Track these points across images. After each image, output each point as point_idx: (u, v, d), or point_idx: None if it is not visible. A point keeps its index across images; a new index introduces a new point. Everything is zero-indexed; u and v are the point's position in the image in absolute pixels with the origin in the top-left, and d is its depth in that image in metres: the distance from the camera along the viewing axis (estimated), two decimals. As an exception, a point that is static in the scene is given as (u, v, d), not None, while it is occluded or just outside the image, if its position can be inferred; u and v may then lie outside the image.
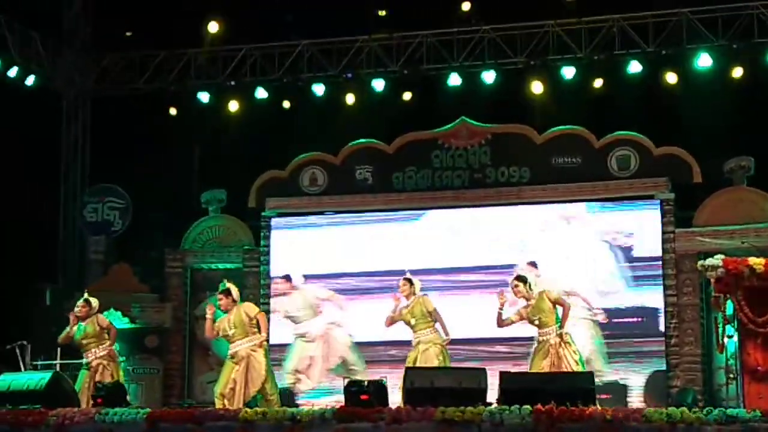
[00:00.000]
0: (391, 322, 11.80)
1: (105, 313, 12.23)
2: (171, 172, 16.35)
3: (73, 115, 17.19)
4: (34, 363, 13.48)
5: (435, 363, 11.29)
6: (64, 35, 16.95)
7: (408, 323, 11.65)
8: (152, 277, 16.19)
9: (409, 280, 11.78)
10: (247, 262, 15.91)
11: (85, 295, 12.07)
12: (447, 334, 11.66)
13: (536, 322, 11.00)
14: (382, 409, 8.91)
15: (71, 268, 16.78)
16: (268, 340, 11.55)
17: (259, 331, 11.29)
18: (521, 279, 11.25)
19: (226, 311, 11.37)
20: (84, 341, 11.78)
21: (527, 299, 11.08)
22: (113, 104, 16.92)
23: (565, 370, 10.74)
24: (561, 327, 10.92)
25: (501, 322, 11.22)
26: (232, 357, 11.17)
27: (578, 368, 10.81)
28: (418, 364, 11.32)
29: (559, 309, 11.03)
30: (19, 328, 13.68)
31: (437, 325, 11.58)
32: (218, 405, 10.89)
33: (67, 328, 11.89)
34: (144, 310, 15.48)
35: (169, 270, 16.16)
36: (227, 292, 11.42)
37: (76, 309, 11.94)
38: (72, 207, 16.96)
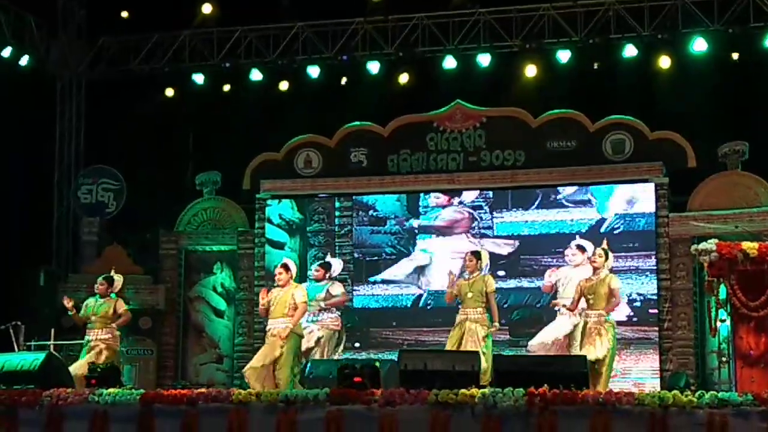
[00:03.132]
0: (451, 297, 12.16)
1: (97, 295, 12.26)
2: (165, 153, 16.34)
3: (68, 97, 17.16)
4: (28, 343, 13.48)
5: (480, 345, 11.49)
6: (59, 17, 16.89)
7: (461, 297, 11.87)
8: (146, 259, 16.18)
9: (477, 254, 12.13)
10: (241, 244, 15.90)
11: (111, 273, 12.24)
12: (496, 321, 11.94)
13: (590, 301, 11.24)
14: (375, 392, 8.93)
15: (65, 249, 16.79)
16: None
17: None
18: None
19: (283, 286, 11.63)
20: (93, 318, 11.93)
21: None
22: (107, 86, 16.87)
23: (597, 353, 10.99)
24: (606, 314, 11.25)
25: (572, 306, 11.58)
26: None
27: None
28: (464, 345, 11.55)
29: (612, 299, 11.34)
30: (13, 309, 13.69)
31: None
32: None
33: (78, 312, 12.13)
34: (138, 291, 15.47)
35: (163, 252, 16.16)
36: (286, 267, 11.73)
37: (95, 286, 12.22)
38: (66, 188, 16.95)
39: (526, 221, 15.02)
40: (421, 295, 15.24)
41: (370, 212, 15.59)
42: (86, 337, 12.00)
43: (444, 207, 15.36)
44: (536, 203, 15.03)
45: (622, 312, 14.07)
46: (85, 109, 17.24)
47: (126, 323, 12.46)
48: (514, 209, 15.09)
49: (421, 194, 15.43)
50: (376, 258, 15.48)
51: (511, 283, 14.83)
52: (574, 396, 8.47)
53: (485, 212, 15.19)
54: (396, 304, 15.33)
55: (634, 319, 14.35)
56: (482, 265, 12.13)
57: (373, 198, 15.57)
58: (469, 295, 11.83)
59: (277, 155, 16.04)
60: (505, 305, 14.57)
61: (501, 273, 14.76)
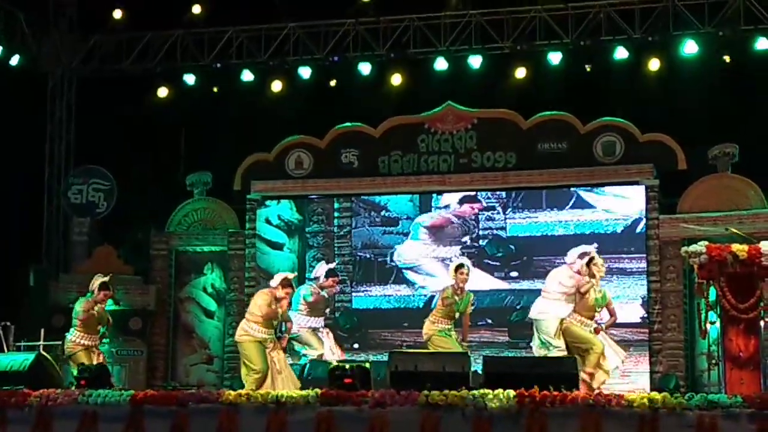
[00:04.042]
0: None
1: (89, 295, 12.25)
2: (156, 153, 16.32)
3: (59, 95, 17.12)
4: (18, 344, 13.44)
5: None
6: (50, 15, 16.85)
7: (447, 309, 11.92)
8: (137, 260, 16.16)
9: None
10: (232, 245, 15.89)
11: (106, 279, 12.23)
12: (466, 341, 12.06)
13: (597, 309, 11.66)
14: (366, 393, 8.93)
15: (55, 249, 16.74)
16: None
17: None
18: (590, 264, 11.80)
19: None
20: (98, 326, 12.12)
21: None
22: (99, 85, 16.84)
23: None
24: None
25: None
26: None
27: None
28: None
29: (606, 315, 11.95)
30: (3, 309, 13.64)
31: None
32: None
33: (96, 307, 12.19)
34: (128, 292, 15.46)
35: (154, 252, 16.15)
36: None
37: (104, 294, 12.23)
38: (56, 188, 16.90)
39: (538, 222, 15.03)
40: (421, 297, 15.23)
41: (383, 212, 15.58)
42: (83, 341, 12.02)
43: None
44: (547, 204, 15.06)
45: (636, 314, 14.31)
46: (76, 108, 17.20)
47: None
48: (527, 210, 15.13)
49: (433, 194, 15.43)
50: (387, 259, 15.49)
51: (524, 285, 14.85)
52: (564, 397, 8.48)
53: (497, 212, 15.19)
54: (400, 305, 15.33)
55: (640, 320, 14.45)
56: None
57: (386, 198, 15.56)
58: (457, 315, 11.92)
59: (268, 156, 16.04)
60: (518, 306, 14.77)
61: (514, 274, 14.91)
